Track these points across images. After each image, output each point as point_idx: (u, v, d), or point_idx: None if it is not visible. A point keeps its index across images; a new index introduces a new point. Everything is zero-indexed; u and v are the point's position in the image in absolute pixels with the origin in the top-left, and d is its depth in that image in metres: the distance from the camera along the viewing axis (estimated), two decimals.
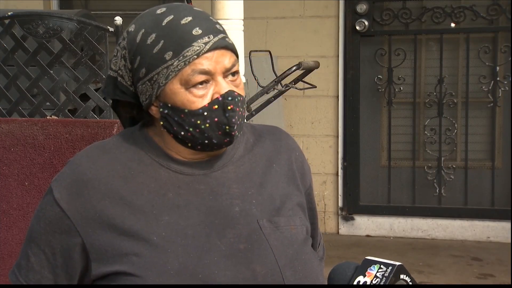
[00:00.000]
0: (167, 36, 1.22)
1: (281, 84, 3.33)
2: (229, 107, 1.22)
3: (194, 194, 1.27)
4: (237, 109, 1.24)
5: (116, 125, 2.18)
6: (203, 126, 1.23)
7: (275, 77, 3.29)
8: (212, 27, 1.24)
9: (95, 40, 2.44)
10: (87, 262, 1.23)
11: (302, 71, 3.45)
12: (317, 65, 3.61)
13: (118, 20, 2.41)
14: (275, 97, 3.49)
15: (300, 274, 1.26)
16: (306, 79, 3.51)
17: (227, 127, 1.23)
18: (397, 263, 1.06)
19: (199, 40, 1.21)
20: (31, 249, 1.27)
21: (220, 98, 1.22)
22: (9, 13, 2.54)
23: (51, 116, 2.48)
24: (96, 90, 2.51)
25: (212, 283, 1.19)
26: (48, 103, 2.53)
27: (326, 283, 1.32)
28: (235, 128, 1.24)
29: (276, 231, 1.27)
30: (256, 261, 1.23)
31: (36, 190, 2.28)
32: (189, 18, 1.23)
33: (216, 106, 1.22)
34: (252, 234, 1.25)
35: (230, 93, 1.23)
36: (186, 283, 1.18)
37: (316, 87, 3.58)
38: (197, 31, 1.21)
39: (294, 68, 3.31)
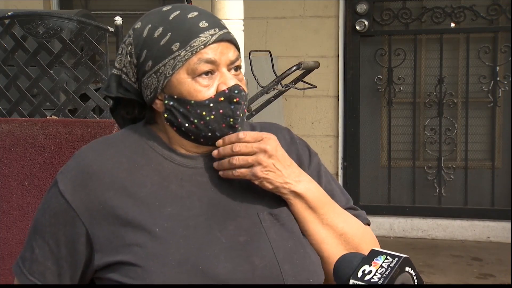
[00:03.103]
0: (175, 29, 1.25)
1: (281, 84, 3.33)
2: (235, 100, 1.26)
3: (196, 185, 1.29)
4: (242, 102, 1.27)
5: (116, 125, 2.18)
6: (208, 118, 1.25)
7: (275, 77, 3.29)
8: (218, 22, 1.29)
9: (95, 40, 2.44)
10: (91, 252, 1.25)
11: (302, 71, 3.45)
12: (317, 65, 3.61)
13: (118, 20, 2.40)
14: (275, 97, 3.49)
15: (298, 267, 1.26)
16: (306, 79, 3.51)
17: (231, 120, 1.26)
18: (403, 255, 1.08)
19: (205, 32, 1.25)
20: (36, 241, 1.29)
21: (227, 91, 1.25)
22: (9, 13, 2.54)
23: (51, 116, 2.48)
24: (96, 90, 2.51)
25: (212, 275, 1.20)
26: (48, 103, 2.53)
27: (323, 276, 1.32)
28: (238, 121, 1.27)
29: (276, 223, 1.29)
30: (255, 254, 1.24)
31: (36, 190, 2.28)
32: (196, 13, 1.27)
33: (222, 98, 1.25)
34: (252, 226, 1.27)
35: (236, 86, 1.26)
36: (187, 274, 1.19)
37: (316, 87, 3.58)
38: (203, 24, 1.26)
39: (294, 68, 3.31)
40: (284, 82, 3.38)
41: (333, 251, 1.31)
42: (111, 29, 2.41)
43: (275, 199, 1.31)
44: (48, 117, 2.46)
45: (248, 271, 1.22)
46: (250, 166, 1.26)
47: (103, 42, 2.46)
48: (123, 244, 1.22)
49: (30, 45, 2.53)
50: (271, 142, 1.27)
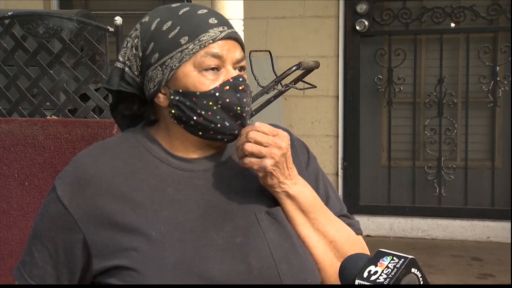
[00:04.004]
0: (184, 23, 1.27)
1: (281, 84, 3.33)
2: (240, 87, 1.27)
3: (193, 189, 1.28)
4: (248, 91, 1.28)
5: (116, 125, 2.18)
6: (215, 107, 1.26)
7: (275, 77, 3.28)
8: (226, 21, 1.31)
9: (95, 40, 2.44)
10: (89, 258, 1.25)
11: (302, 71, 3.45)
12: (317, 65, 3.61)
13: (118, 20, 2.40)
14: (275, 97, 3.49)
15: (296, 267, 1.26)
16: (306, 79, 3.51)
17: (238, 108, 1.26)
18: (410, 256, 1.08)
19: (215, 28, 1.27)
20: (35, 246, 1.29)
21: (231, 80, 1.26)
22: (9, 13, 2.54)
23: (51, 116, 2.48)
24: (96, 90, 2.50)
25: (208, 277, 1.20)
26: (48, 103, 2.53)
27: (319, 276, 1.32)
28: (245, 109, 1.27)
29: (274, 222, 1.29)
30: (251, 255, 1.24)
31: (36, 190, 2.27)
32: (205, 10, 1.29)
33: (227, 87, 1.26)
34: (249, 227, 1.27)
35: (240, 76, 1.28)
36: (182, 277, 1.19)
37: (316, 87, 3.58)
38: (213, 20, 1.28)
39: (294, 68, 3.30)
40: (284, 82, 3.38)
41: (323, 257, 1.31)
42: (111, 29, 2.41)
43: (272, 198, 1.31)
44: (48, 117, 2.46)
45: (244, 272, 1.22)
46: (261, 157, 1.25)
47: (103, 42, 2.46)
48: (120, 249, 1.22)
49: (30, 45, 2.53)
50: (285, 139, 1.27)
